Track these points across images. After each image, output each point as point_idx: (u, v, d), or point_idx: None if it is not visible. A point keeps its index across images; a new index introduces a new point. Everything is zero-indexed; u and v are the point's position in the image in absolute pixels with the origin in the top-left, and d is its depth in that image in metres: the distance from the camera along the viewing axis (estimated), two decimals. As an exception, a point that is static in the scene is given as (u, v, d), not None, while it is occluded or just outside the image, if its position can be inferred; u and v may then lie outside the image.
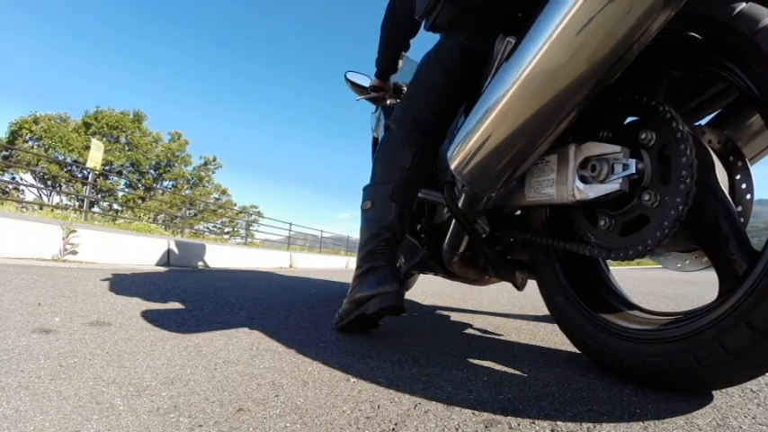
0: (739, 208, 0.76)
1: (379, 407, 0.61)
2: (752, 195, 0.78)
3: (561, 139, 0.79)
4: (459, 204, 1.04)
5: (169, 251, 3.09)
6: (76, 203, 14.77)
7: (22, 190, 19.16)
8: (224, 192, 25.13)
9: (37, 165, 17.92)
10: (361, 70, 1.93)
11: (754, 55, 0.64)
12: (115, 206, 18.24)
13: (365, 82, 1.86)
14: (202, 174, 24.29)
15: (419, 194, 1.25)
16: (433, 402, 0.64)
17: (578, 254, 0.85)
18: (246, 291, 1.88)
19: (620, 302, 0.89)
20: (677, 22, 0.67)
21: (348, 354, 0.90)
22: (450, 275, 1.38)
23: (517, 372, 0.83)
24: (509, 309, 1.86)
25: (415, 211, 1.42)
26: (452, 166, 0.88)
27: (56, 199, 19.15)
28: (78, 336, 0.87)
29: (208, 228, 20.39)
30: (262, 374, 0.73)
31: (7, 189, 18.66)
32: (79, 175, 18.89)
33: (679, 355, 0.66)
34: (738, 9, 0.64)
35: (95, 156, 8.23)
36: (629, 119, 0.82)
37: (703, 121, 0.88)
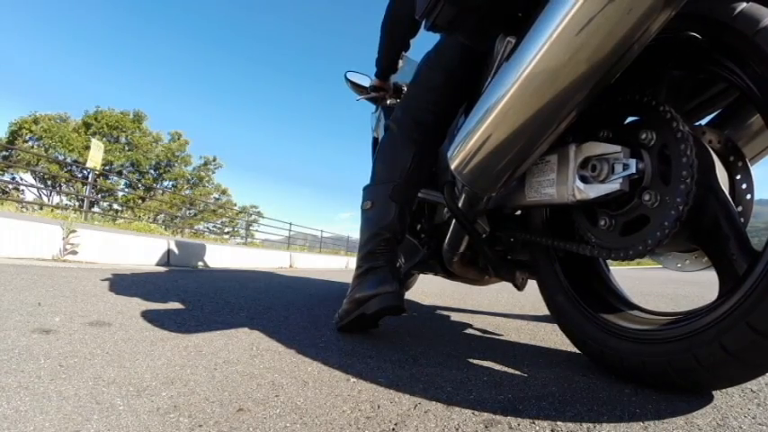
0: (739, 208, 0.76)
1: (379, 407, 0.61)
2: (752, 195, 0.78)
3: (561, 139, 0.79)
4: (460, 204, 1.04)
5: (169, 251, 3.09)
6: (76, 203, 14.78)
7: (22, 190, 19.17)
8: (224, 192, 25.13)
9: (37, 165, 17.93)
10: (361, 70, 1.93)
11: (754, 55, 0.64)
12: (115, 206, 18.24)
13: (365, 82, 1.86)
14: (202, 174, 24.29)
15: (419, 194, 1.25)
16: (433, 402, 0.64)
17: (578, 254, 0.85)
18: (246, 291, 1.87)
19: (620, 302, 0.89)
20: (677, 21, 0.67)
21: (348, 354, 0.90)
22: (450, 275, 1.38)
23: (517, 372, 0.83)
24: (509, 309, 1.86)
25: (415, 211, 1.42)
26: (452, 166, 0.88)
27: (56, 199, 19.16)
28: (78, 336, 0.87)
29: (208, 228, 20.38)
30: (262, 374, 0.73)
31: (7, 189, 18.67)
32: (79, 175, 18.90)
33: (679, 356, 0.66)
34: (739, 9, 0.64)
35: (95, 156, 8.23)
36: (630, 119, 0.82)
37: (704, 121, 0.88)
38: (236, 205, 25.02)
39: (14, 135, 19.42)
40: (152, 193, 20.57)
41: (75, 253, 2.45)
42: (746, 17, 0.63)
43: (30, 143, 19.71)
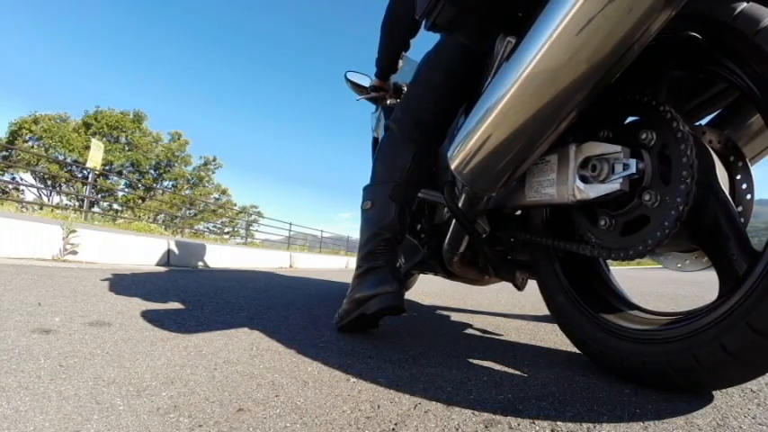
0: (740, 208, 0.76)
1: (379, 407, 0.61)
2: (752, 195, 0.78)
3: (562, 139, 0.79)
4: (460, 204, 1.04)
5: (169, 251, 3.09)
6: (76, 203, 14.78)
7: (22, 190, 19.17)
8: (224, 192, 25.13)
9: (37, 165, 17.92)
10: (361, 70, 1.93)
11: (754, 55, 0.64)
12: (115, 206, 18.24)
13: (365, 82, 1.86)
14: (202, 174, 24.28)
15: (419, 194, 1.25)
16: (433, 402, 0.64)
17: (579, 254, 0.85)
18: (246, 291, 1.87)
19: (620, 302, 0.89)
20: (678, 21, 0.67)
21: (348, 354, 0.90)
22: (450, 275, 1.38)
23: (517, 372, 0.83)
24: (509, 309, 1.86)
25: (415, 211, 1.42)
26: (452, 166, 0.88)
27: (56, 199, 19.16)
28: (78, 336, 0.87)
29: (208, 228, 20.38)
30: (262, 374, 0.73)
31: (7, 189, 18.66)
32: (79, 175, 18.90)
33: (679, 356, 0.66)
34: (739, 9, 0.64)
35: (95, 156, 8.23)
36: (630, 119, 0.82)
37: (704, 121, 0.88)
38: (236, 205, 25.04)
39: (14, 135, 19.41)
40: (152, 193, 20.57)
41: (75, 253, 2.45)
42: (747, 17, 0.63)
43: (30, 143, 19.71)
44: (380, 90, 1.70)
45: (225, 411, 0.56)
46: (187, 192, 22.99)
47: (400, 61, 1.59)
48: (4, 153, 18.13)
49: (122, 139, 21.72)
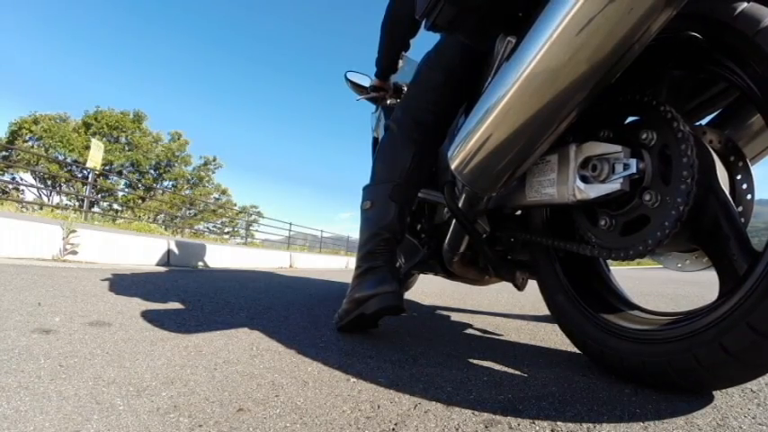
0: (740, 208, 0.76)
1: (379, 407, 0.61)
2: (752, 195, 0.77)
3: (562, 139, 0.79)
4: (460, 204, 1.04)
5: (169, 251, 3.09)
6: (76, 203, 14.78)
7: (22, 190, 19.17)
8: (224, 192, 25.12)
9: (37, 165, 17.92)
10: (360, 70, 1.93)
11: (755, 55, 0.64)
12: (115, 206, 18.24)
13: (365, 82, 1.86)
14: (202, 174, 24.28)
15: (419, 194, 1.25)
16: (433, 402, 0.64)
17: (579, 254, 0.85)
18: (246, 291, 1.87)
19: (620, 302, 0.89)
20: (678, 21, 0.67)
21: (348, 354, 0.90)
22: (450, 275, 1.38)
23: (517, 372, 0.83)
24: (509, 309, 1.86)
25: (415, 211, 1.42)
26: (453, 166, 0.88)
27: (56, 199, 19.16)
28: (78, 336, 0.87)
29: (208, 228, 20.38)
30: (262, 374, 0.73)
31: (7, 189, 18.66)
32: (79, 175, 18.89)
33: (679, 356, 0.66)
34: (740, 9, 0.64)
35: (95, 156, 8.23)
36: (630, 119, 0.82)
37: (704, 121, 0.88)
38: (236, 205, 25.03)
39: (14, 135, 19.41)
40: (152, 193, 20.57)
41: (75, 253, 2.45)
42: (747, 17, 0.63)
43: (30, 143, 19.71)
44: (380, 90, 1.70)
45: (225, 411, 0.56)
46: (187, 192, 22.99)
47: (400, 61, 1.59)
48: (4, 153, 18.13)
49: (122, 139, 21.72)
